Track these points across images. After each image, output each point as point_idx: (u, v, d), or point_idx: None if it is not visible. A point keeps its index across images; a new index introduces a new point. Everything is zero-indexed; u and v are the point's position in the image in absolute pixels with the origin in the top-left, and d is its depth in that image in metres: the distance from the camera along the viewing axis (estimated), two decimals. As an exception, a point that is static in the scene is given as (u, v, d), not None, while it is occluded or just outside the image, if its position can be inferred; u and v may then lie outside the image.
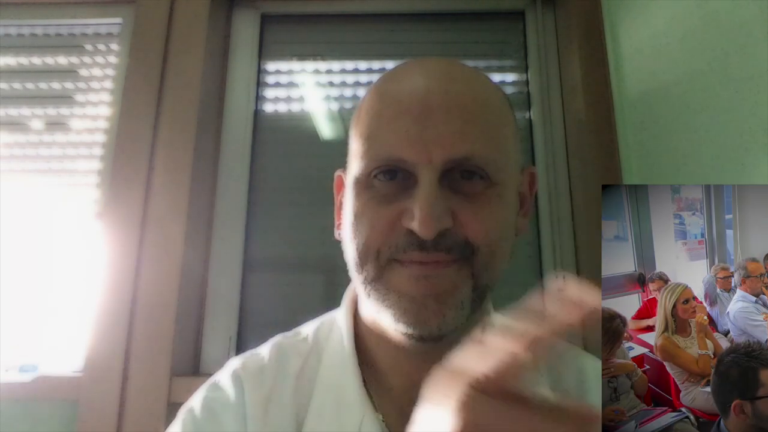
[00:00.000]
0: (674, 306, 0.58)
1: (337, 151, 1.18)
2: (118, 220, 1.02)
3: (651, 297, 0.61)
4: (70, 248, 1.12)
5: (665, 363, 0.56)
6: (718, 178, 0.74)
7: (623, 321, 0.56)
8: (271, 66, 1.26)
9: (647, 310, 0.60)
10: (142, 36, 1.13)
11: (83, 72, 1.21)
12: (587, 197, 1.05)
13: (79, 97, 1.20)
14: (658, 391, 0.56)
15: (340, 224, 0.52)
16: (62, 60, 1.22)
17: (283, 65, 1.26)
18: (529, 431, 0.25)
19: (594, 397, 0.53)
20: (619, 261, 0.65)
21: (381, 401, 0.50)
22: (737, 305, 0.59)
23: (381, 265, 0.44)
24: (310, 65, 1.25)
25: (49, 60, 1.22)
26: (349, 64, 1.25)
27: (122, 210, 1.03)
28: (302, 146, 1.20)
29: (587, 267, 1.05)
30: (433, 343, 0.44)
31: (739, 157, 0.69)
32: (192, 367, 1.05)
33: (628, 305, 0.62)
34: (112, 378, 0.94)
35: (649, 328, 0.59)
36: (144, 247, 1.01)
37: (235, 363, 0.55)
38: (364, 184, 0.45)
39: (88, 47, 1.22)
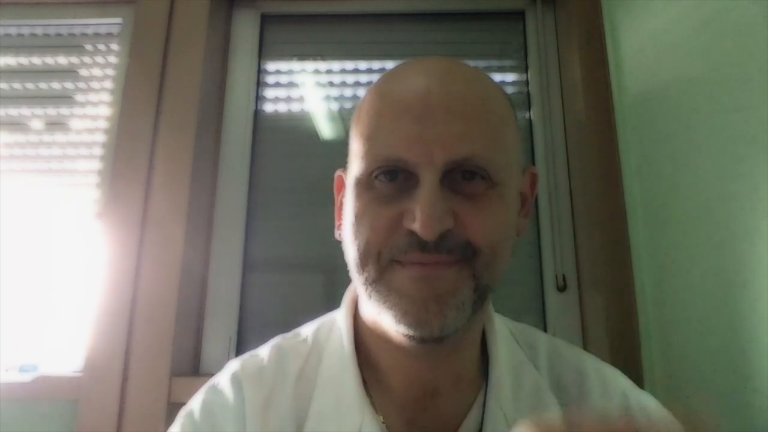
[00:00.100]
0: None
1: (337, 151, 1.18)
2: (118, 220, 1.02)
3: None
4: (70, 248, 1.12)
5: None
6: (718, 179, 0.74)
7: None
8: (271, 66, 1.26)
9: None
10: (142, 36, 1.13)
11: (83, 72, 1.21)
12: (587, 197, 1.04)
13: (79, 97, 1.20)
14: None
15: (340, 225, 0.52)
16: (62, 60, 1.22)
17: (283, 65, 1.26)
18: None
19: (594, 398, 0.53)
20: None
21: (382, 402, 0.50)
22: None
23: (382, 266, 0.44)
24: (310, 65, 1.25)
25: (49, 60, 1.22)
26: (349, 64, 1.25)
27: (122, 210, 1.03)
28: (302, 146, 1.20)
29: (587, 267, 1.05)
30: (434, 344, 0.44)
31: (740, 158, 0.69)
32: (192, 367, 1.05)
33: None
34: (112, 378, 0.94)
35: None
36: (144, 247, 1.01)
37: (234, 365, 0.55)
38: (364, 184, 0.45)
39: (88, 47, 1.22)
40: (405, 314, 0.43)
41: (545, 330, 1.03)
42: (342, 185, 0.54)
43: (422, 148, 0.42)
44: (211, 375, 0.56)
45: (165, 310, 0.98)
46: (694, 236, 0.80)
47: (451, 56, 0.51)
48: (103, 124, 1.17)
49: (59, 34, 1.24)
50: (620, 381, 0.55)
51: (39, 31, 1.24)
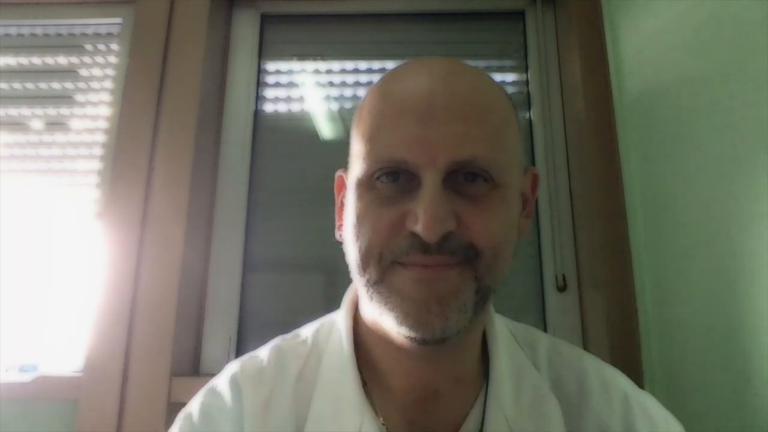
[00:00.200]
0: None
1: (337, 151, 1.18)
2: (118, 220, 1.02)
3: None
4: (70, 248, 1.12)
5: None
6: (718, 179, 0.74)
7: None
8: (271, 66, 1.26)
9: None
10: (142, 36, 1.13)
11: (83, 72, 1.21)
12: (587, 197, 1.04)
13: (79, 97, 1.20)
14: None
15: (341, 225, 0.51)
16: (62, 60, 1.22)
17: (283, 65, 1.26)
18: None
19: (594, 398, 0.52)
20: None
21: (382, 403, 0.50)
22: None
23: (383, 267, 0.44)
24: (310, 65, 1.25)
25: (49, 60, 1.22)
26: (349, 64, 1.25)
27: (122, 210, 1.03)
28: (302, 146, 1.20)
29: (587, 267, 1.05)
30: (436, 346, 0.44)
31: (740, 158, 0.69)
32: (192, 367, 1.05)
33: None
34: (112, 378, 0.94)
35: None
36: (144, 247, 1.01)
37: (233, 367, 0.54)
38: (366, 185, 0.45)
39: (88, 47, 1.22)
40: (406, 316, 0.43)
41: (545, 330, 1.03)
42: (342, 185, 0.54)
43: (424, 149, 0.42)
44: (211, 375, 0.56)
45: (165, 310, 0.98)
46: (694, 236, 0.79)
47: (451, 56, 0.51)
48: (103, 124, 1.17)
49: (59, 34, 1.24)
50: (620, 381, 0.55)
51: (39, 31, 1.24)
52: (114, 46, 1.22)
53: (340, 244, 0.50)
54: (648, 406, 0.53)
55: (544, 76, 1.20)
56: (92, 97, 1.19)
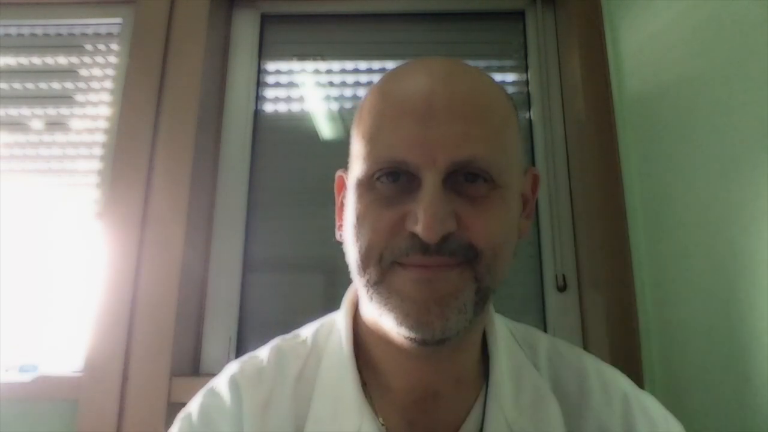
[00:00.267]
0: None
1: (337, 151, 1.18)
2: (118, 220, 1.02)
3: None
4: (70, 248, 1.12)
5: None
6: (717, 179, 0.74)
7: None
8: (271, 66, 1.26)
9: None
10: (142, 36, 1.13)
11: (83, 72, 1.21)
12: (587, 197, 1.04)
13: (79, 97, 1.20)
14: None
15: (341, 225, 0.51)
16: (62, 60, 1.22)
17: (283, 65, 1.26)
18: None
19: (594, 398, 0.52)
20: None
21: (382, 404, 0.50)
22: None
23: (383, 268, 0.44)
24: (310, 65, 1.25)
25: (49, 60, 1.22)
26: (349, 64, 1.25)
27: (122, 210, 1.03)
28: (302, 146, 1.20)
29: (587, 267, 1.05)
30: (436, 347, 0.44)
31: (740, 158, 0.69)
32: (192, 367, 1.05)
33: None
34: (112, 378, 0.94)
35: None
36: (144, 247, 1.01)
37: (233, 367, 0.54)
38: (366, 185, 0.45)
39: (88, 47, 1.22)
40: (406, 316, 0.43)
41: (545, 330, 1.03)
42: (342, 185, 0.54)
43: (425, 150, 0.42)
44: (212, 375, 0.56)
45: (165, 310, 0.98)
46: (694, 236, 0.79)
47: (451, 56, 0.51)
48: (103, 124, 1.17)
49: (59, 34, 1.24)
50: (621, 381, 0.55)
51: (39, 31, 1.24)
52: (114, 46, 1.22)
53: (340, 244, 0.50)
54: (648, 406, 0.53)
55: (544, 76, 1.20)
56: (92, 97, 1.19)
